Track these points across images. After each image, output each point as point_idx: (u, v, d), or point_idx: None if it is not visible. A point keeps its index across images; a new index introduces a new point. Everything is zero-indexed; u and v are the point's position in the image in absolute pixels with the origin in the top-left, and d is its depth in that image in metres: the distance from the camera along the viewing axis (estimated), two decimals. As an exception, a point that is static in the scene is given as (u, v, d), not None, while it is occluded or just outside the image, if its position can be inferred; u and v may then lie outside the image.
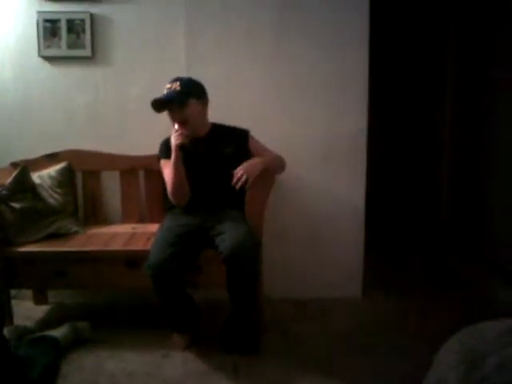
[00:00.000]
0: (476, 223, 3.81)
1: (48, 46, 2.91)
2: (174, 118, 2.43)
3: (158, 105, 2.42)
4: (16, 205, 2.57)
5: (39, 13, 2.87)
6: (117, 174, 2.96)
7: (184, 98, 2.42)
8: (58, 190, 2.80)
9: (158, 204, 2.91)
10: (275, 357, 2.40)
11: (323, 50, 2.91)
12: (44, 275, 2.53)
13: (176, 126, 2.41)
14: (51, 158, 2.90)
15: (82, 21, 2.88)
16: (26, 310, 2.89)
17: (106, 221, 2.98)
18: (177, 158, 2.37)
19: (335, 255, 3.07)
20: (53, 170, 2.84)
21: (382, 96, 5.02)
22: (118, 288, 2.79)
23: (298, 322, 2.77)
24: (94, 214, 2.98)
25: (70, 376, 2.23)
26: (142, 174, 2.96)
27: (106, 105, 2.98)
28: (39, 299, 3.01)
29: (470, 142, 3.91)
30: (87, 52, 2.92)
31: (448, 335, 1.49)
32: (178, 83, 2.44)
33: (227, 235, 2.30)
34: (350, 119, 2.95)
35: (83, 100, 2.97)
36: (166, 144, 2.54)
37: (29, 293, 2.99)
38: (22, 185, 2.63)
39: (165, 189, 2.75)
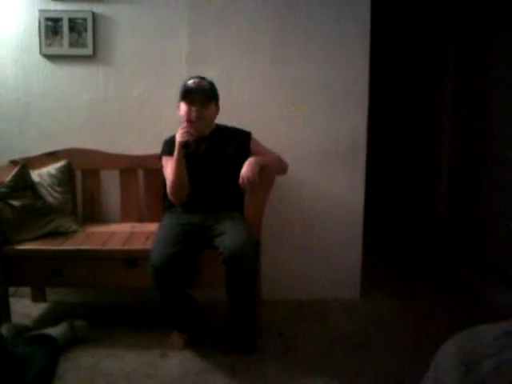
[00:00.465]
0: (475, 228, 3.81)
1: (49, 45, 2.91)
2: (192, 111, 2.43)
3: (187, 92, 2.43)
4: (15, 202, 2.57)
5: (41, 11, 2.87)
6: (116, 173, 2.96)
7: (209, 98, 2.46)
8: (58, 189, 2.80)
9: (157, 203, 2.91)
10: (273, 357, 2.40)
11: (324, 52, 2.92)
12: (42, 273, 2.53)
13: (183, 124, 2.41)
14: (51, 157, 2.90)
15: (84, 20, 2.88)
16: (24, 308, 2.90)
17: (104, 220, 2.98)
18: (179, 154, 2.38)
19: (334, 257, 3.07)
20: (52, 168, 2.84)
21: (382, 101, 5.03)
22: (117, 287, 2.78)
23: (296, 323, 2.77)
24: (93, 213, 2.98)
25: (67, 375, 2.23)
26: (141, 173, 2.96)
27: (107, 104, 2.98)
28: (37, 297, 3.01)
29: (469, 148, 3.92)
30: (89, 51, 2.92)
31: (446, 338, 1.49)
32: (206, 83, 2.47)
33: (227, 236, 2.30)
34: (350, 121, 2.95)
35: (84, 99, 2.97)
36: (169, 142, 2.55)
37: (27, 290, 3.00)
38: (22, 183, 2.63)
39: (165, 187, 2.76)
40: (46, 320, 2.76)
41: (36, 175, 2.76)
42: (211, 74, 2.57)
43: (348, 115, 2.95)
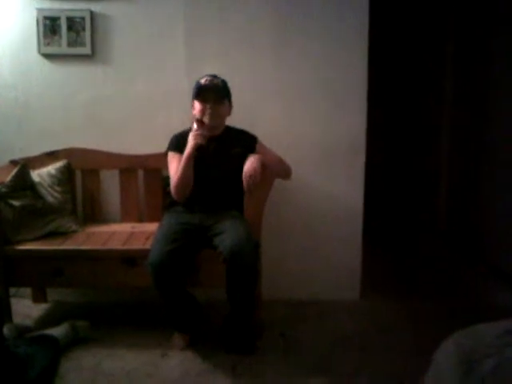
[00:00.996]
0: (474, 229, 3.81)
1: (48, 44, 2.90)
2: (206, 109, 2.43)
3: (201, 90, 2.44)
4: (15, 203, 2.57)
5: (39, 10, 2.87)
6: (116, 172, 2.96)
7: (222, 95, 2.47)
8: (57, 189, 2.80)
9: (157, 203, 2.92)
10: (273, 357, 2.40)
11: (323, 52, 2.91)
12: (43, 273, 2.53)
13: (195, 126, 2.43)
14: (51, 156, 2.90)
15: (82, 18, 2.88)
16: (25, 309, 2.90)
17: (104, 219, 2.98)
18: (190, 155, 2.38)
19: (333, 257, 3.06)
20: (52, 168, 2.84)
21: (381, 101, 5.01)
22: (117, 286, 2.78)
23: (296, 324, 2.77)
24: (93, 213, 2.98)
25: (69, 375, 2.23)
26: (141, 173, 2.95)
27: (106, 103, 2.97)
28: (38, 297, 3.01)
29: (468, 150, 3.91)
30: (87, 50, 2.91)
31: (446, 338, 1.49)
32: (219, 80, 2.48)
33: (226, 235, 2.31)
34: (349, 121, 2.94)
35: (83, 98, 2.97)
36: (178, 138, 2.56)
37: (28, 291, 3.00)
38: (22, 183, 2.63)
39: (165, 187, 2.76)
40: (47, 320, 2.76)
41: (36, 175, 2.76)
42: (209, 72, 2.56)
43: (347, 114, 2.94)
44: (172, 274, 2.27)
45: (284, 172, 2.60)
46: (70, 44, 2.91)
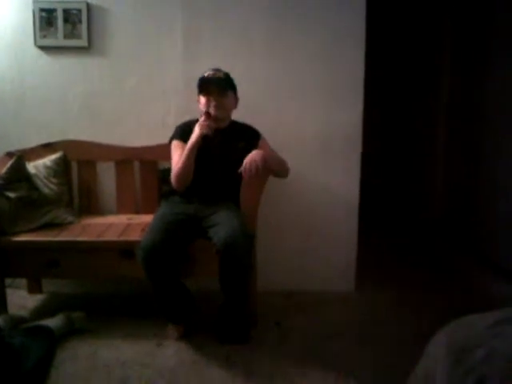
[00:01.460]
0: (469, 219, 3.84)
1: (44, 36, 2.90)
2: (210, 102, 2.45)
3: (203, 83, 2.46)
4: (11, 194, 2.58)
5: (35, 2, 2.86)
6: (112, 164, 2.97)
7: (225, 87, 2.49)
8: (54, 180, 2.80)
9: (153, 195, 2.93)
10: (268, 348, 2.42)
11: (319, 48, 2.92)
12: (38, 265, 2.54)
13: (203, 117, 2.44)
14: (47, 148, 2.90)
15: (79, 10, 2.87)
16: (21, 299, 2.91)
17: (100, 211, 2.99)
18: (195, 145, 2.40)
19: (329, 249, 3.08)
20: (48, 159, 2.85)
21: (377, 93, 5.04)
22: (113, 278, 2.80)
23: (290, 315, 2.79)
24: (89, 205, 2.99)
25: (65, 365, 2.24)
26: (137, 164, 2.96)
27: (102, 95, 2.98)
28: (33, 288, 3.02)
29: (464, 143, 3.93)
30: (83, 42, 2.91)
31: (440, 329, 1.51)
32: (222, 73, 2.50)
33: (221, 227, 2.32)
34: (345, 116, 2.96)
35: (79, 90, 2.97)
36: (183, 127, 2.59)
37: (23, 282, 3.01)
38: (18, 174, 2.64)
39: (161, 177, 2.77)
40: (43, 311, 2.77)
41: (32, 167, 2.77)
42: (206, 67, 2.57)
43: (343, 111, 2.95)
44: (163, 263, 2.27)
45: (282, 172, 2.61)
46: (67, 36, 2.91)
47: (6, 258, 2.51)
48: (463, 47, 3.99)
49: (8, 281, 2.73)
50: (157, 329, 2.53)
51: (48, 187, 2.76)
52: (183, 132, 2.54)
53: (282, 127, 2.97)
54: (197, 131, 2.41)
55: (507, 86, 3.25)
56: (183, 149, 2.45)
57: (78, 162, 2.96)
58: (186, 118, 2.63)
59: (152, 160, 2.92)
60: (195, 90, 2.50)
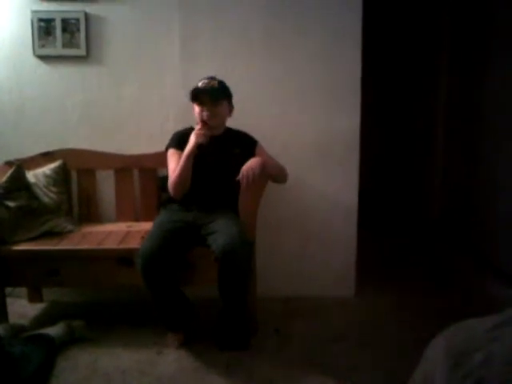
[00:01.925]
0: (468, 219, 3.83)
1: (43, 46, 2.92)
2: (203, 112, 2.47)
3: (196, 93, 2.47)
4: (11, 203, 2.58)
5: (34, 12, 2.88)
6: (111, 172, 2.97)
7: (219, 96, 2.50)
8: (53, 189, 2.81)
9: (152, 202, 2.94)
10: (268, 354, 2.42)
11: (316, 50, 2.92)
12: (38, 273, 2.54)
13: (199, 125, 2.47)
14: (46, 157, 2.91)
15: (77, 20, 2.89)
16: (21, 308, 2.91)
17: (100, 219, 2.99)
18: (191, 154, 2.42)
19: (328, 254, 3.08)
20: (47, 168, 2.85)
21: (376, 95, 5.07)
22: (113, 286, 2.80)
23: (290, 321, 2.78)
24: (89, 213, 2.99)
25: (65, 373, 2.24)
26: (136, 172, 2.97)
27: (101, 104, 2.99)
28: (34, 297, 3.02)
29: (463, 139, 3.93)
30: (82, 51, 2.93)
31: (440, 332, 1.51)
32: (216, 82, 2.50)
33: (219, 235, 2.32)
34: (343, 119, 2.95)
35: (78, 99, 2.98)
36: (179, 135, 2.60)
37: (23, 291, 3.01)
38: (17, 183, 2.64)
39: (160, 185, 2.78)
40: (43, 320, 2.77)
41: (31, 176, 2.77)
42: (204, 74, 2.58)
43: (341, 114, 2.95)
44: (162, 270, 2.27)
45: (281, 178, 2.62)
46: (65, 45, 2.93)
47: (6, 267, 2.52)
48: (462, 47, 3.99)
49: (8, 290, 2.73)
50: (157, 337, 2.53)
51: (48, 196, 2.77)
52: (179, 140, 2.55)
53: (281, 128, 2.98)
54: (193, 140, 2.43)
55: (507, 86, 3.25)
56: (179, 157, 2.47)
57: (77, 170, 2.97)
58: (185, 124, 2.64)
59: (151, 168, 2.93)
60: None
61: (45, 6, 2.89)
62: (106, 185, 3.00)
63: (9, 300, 2.69)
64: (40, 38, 2.91)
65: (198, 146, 2.42)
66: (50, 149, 2.93)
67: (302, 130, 2.99)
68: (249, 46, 2.93)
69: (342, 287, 3.10)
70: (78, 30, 2.90)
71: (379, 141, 5.34)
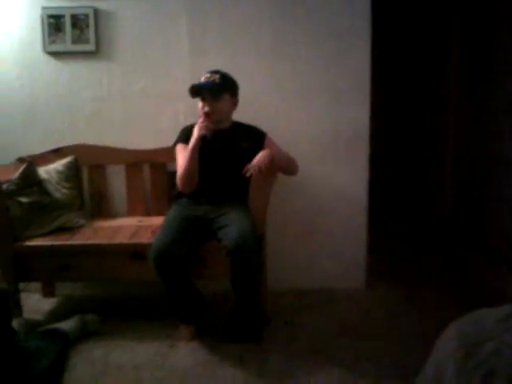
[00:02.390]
0: (480, 216, 3.80)
1: (53, 42, 2.93)
2: (205, 107, 2.49)
3: (196, 90, 2.49)
4: (23, 199, 2.61)
5: (43, 8, 2.90)
6: (122, 167, 2.99)
7: (220, 91, 2.50)
8: (65, 185, 2.83)
9: (163, 197, 2.95)
10: (279, 346, 2.43)
11: (325, 44, 2.91)
12: (51, 268, 2.57)
13: (201, 118, 2.48)
14: (57, 153, 2.93)
15: (86, 16, 2.90)
16: (35, 303, 2.94)
17: (111, 214, 3.01)
18: (195, 146, 2.43)
19: (338, 247, 3.08)
20: (59, 164, 2.87)
21: (386, 91, 5.04)
22: (124, 280, 2.81)
23: (301, 313, 2.79)
24: (100, 208, 3.01)
25: (79, 367, 2.27)
26: (146, 167, 2.98)
27: (111, 99, 3.00)
28: (47, 292, 3.05)
29: (474, 136, 3.90)
30: (91, 47, 2.94)
31: (451, 323, 1.50)
32: (218, 76, 2.51)
33: (230, 229, 2.33)
34: (352, 113, 2.95)
35: (88, 94, 3.00)
36: (187, 130, 2.61)
37: (37, 286, 3.04)
38: (29, 180, 2.66)
39: (171, 180, 2.78)
40: (57, 314, 2.80)
41: (43, 172, 2.79)
42: (214, 66, 2.58)
43: (350, 108, 2.95)
44: (174, 263, 2.29)
45: (291, 169, 2.61)
46: (75, 41, 2.94)
47: (20, 263, 2.54)
48: (472, 43, 3.95)
49: (22, 285, 2.75)
50: (169, 330, 2.54)
51: (59, 191, 2.79)
52: (187, 135, 2.56)
53: (291, 125, 2.97)
54: (195, 133, 2.44)
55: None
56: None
57: (88, 165, 2.99)
58: (196, 119, 2.64)
59: (162, 162, 2.94)
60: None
61: (54, 3, 2.90)
62: (117, 180, 3.02)
63: (23, 295, 2.72)
64: (50, 34, 2.92)
65: (203, 139, 2.43)
66: (61, 145, 2.95)
67: (311, 123, 2.99)
68: (256, 43, 2.93)
69: (353, 280, 3.10)
70: (88, 25, 2.91)
71: (388, 138, 5.31)
